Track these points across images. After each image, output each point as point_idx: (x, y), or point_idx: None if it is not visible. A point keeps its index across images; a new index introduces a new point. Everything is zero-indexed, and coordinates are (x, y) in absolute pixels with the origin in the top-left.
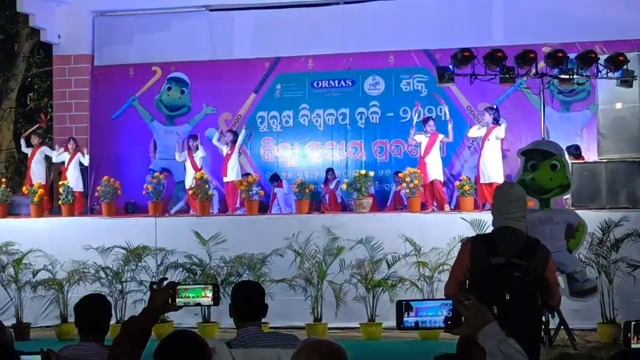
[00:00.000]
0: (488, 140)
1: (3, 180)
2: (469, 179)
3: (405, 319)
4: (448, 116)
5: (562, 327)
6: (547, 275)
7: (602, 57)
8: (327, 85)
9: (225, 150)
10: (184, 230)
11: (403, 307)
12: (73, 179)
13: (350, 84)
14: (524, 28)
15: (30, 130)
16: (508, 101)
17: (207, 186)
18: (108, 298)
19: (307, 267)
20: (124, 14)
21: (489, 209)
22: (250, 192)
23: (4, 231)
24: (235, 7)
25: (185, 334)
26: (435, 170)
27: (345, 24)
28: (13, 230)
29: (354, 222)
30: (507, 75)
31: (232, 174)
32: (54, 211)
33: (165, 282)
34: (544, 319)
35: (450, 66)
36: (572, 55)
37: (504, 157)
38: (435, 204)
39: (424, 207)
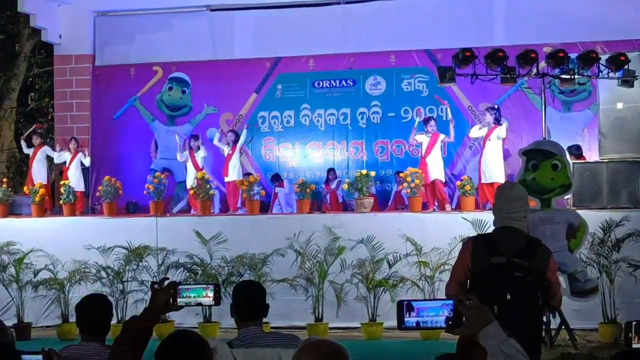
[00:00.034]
0: (489, 140)
1: (4, 180)
2: (470, 178)
3: (406, 319)
4: (450, 116)
5: (563, 327)
6: (548, 275)
7: (604, 57)
8: (328, 85)
9: (226, 150)
10: (185, 230)
11: (404, 308)
12: (74, 179)
13: (352, 83)
14: (525, 28)
15: (28, 132)
16: (509, 101)
17: (208, 186)
18: (109, 298)
19: (308, 267)
20: (125, 14)
21: (490, 209)
22: (251, 192)
23: (5, 231)
24: (236, 7)
25: (186, 334)
26: (436, 170)
27: (346, 23)
28: (14, 230)
29: (355, 222)
30: (508, 75)
31: (233, 173)
32: (56, 211)
33: (166, 282)
34: (545, 319)
35: (452, 66)
36: (573, 55)
37: (506, 157)
38: (436, 204)
39: (425, 207)
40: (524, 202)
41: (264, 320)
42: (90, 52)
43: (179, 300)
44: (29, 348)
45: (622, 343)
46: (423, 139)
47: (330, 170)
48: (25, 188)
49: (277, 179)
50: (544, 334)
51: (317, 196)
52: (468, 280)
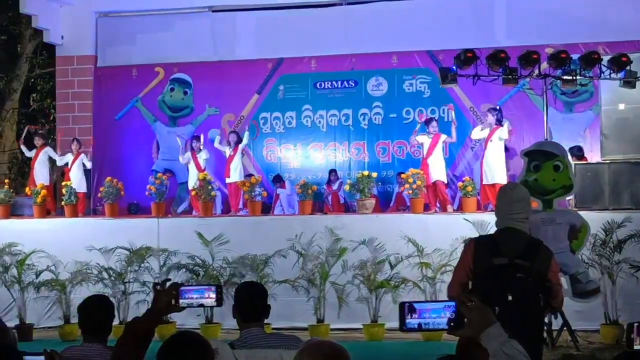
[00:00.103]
0: (491, 141)
1: (6, 181)
2: (472, 179)
3: (408, 320)
4: (453, 118)
5: (564, 328)
6: (550, 276)
7: (605, 58)
8: (330, 86)
9: (228, 151)
10: (186, 231)
11: (406, 309)
12: (76, 180)
13: (353, 84)
14: (527, 29)
15: (23, 135)
16: (511, 102)
17: (210, 187)
18: (111, 299)
19: (310, 268)
20: (127, 14)
21: (491, 210)
22: (253, 193)
23: (7, 232)
24: (238, 8)
25: (188, 335)
26: (438, 171)
27: (348, 24)
28: (16, 231)
29: (356, 223)
30: (510, 76)
31: (235, 175)
32: (59, 212)
33: (168, 283)
34: (546, 320)
35: (453, 67)
36: (575, 56)
37: (512, 156)
38: (438, 205)
39: (426, 208)
40: (525, 203)
41: (266, 321)
42: (92, 53)
43: (181, 301)
44: (31, 349)
45: (624, 344)
46: (424, 139)
47: (332, 172)
48: (27, 189)
49: (278, 180)
50: (545, 335)
51: (319, 197)
52: (470, 282)
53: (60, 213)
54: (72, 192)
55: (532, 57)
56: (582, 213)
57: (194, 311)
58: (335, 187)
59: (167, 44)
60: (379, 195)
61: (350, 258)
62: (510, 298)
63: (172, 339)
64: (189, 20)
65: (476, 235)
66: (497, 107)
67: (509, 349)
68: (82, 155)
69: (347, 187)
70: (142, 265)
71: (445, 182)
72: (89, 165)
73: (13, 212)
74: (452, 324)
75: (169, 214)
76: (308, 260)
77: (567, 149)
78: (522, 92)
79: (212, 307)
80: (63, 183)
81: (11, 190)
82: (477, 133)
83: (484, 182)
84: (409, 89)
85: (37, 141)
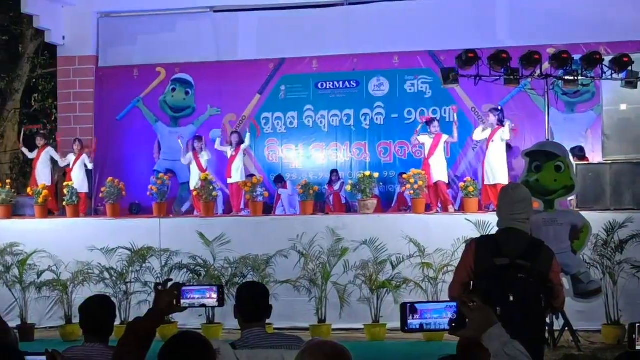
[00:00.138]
0: (493, 141)
1: (8, 181)
2: (474, 180)
3: (409, 321)
4: (455, 119)
5: (566, 328)
6: (551, 276)
7: (607, 59)
8: (331, 87)
9: (229, 151)
10: (188, 231)
11: (407, 310)
12: (78, 180)
13: (355, 85)
14: (528, 29)
15: (21, 136)
16: (512, 102)
17: (211, 187)
18: (112, 299)
19: (312, 268)
20: (128, 15)
21: (493, 211)
22: (254, 193)
23: (9, 232)
24: (240, 8)
25: (189, 335)
26: (439, 171)
27: (350, 25)
28: (18, 231)
29: (358, 223)
30: (511, 77)
31: (236, 175)
32: (62, 212)
33: (169, 284)
34: (548, 320)
35: (455, 67)
36: (576, 57)
37: (514, 156)
38: (439, 205)
39: (428, 208)
40: (527, 203)
41: (267, 321)
42: (93, 53)
43: (182, 301)
44: (32, 349)
45: (625, 344)
46: (426, 139)
47: (334, 172)
48: (28, 189)
49: (280, 180)
50: (547, 335)
51: (320, 197)
52: (471, 282)
53: (63, 213)
54: (73, 192)
55: (533, 58)
56: (583, 213)
57: (195, 311)
58: (336, 187)
59: (168, 44)
60: (380, 195)
61: (352, 258)
62: (511, 298)
63: (174, 339)
64: (190, 21)
65: (478, 235)
66: (499, 108)
67: (510, 349)
68: (84, 155)
69: (348, 188)
70: (144, 265)
71: (447, 182)
72: (90, 165)
73: (15, 212)
74: (453, 324)
75: (171, 214)
76: (309, 261)
77: (568, 149)
78: (523, 92)
79: (213, 308)
80: (65, 183)
81: (13, 190)
82: (479, 134)
83: (485, 183)
84: (410, 90)
85: (39, 141)
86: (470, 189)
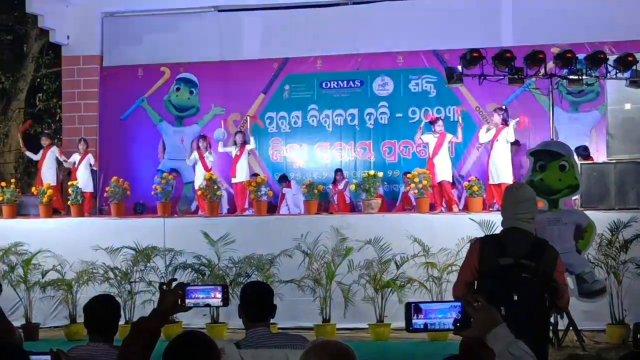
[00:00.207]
0: (497, 141)
1: (12, 180)
2: (478, 179)
3: (414, 321)
4: (460, 120)
5: (571, 328)
6: (556, 276)
7: (611, 58)
8: (335, 86)
9: (234, 151)
10: (192, 230)
11: (412, 310)
12: (83, 180)
13: (359, 84)
14: (532, 29)
15: (22, 142)
16: (517, 102)
17: (215, 187)
18: (117, 298)
19: (316, 267)
20: (132, 14)
21: (497, 210)
22: (258, 193)
23: (13, 231)
24: (244, 8)
25: (194, 335)
26: (444, 171)
27: (354, 24)
28: (22, 230)
29: (362, 222)
30: (516, 76)
31: (240, 174)
32: (68, 212)
33: (174, 283)
34: (552, 320)
35: (459, 67)
36: (581, 56)
37: (522, 154)
38: (443, 205)
39: (432, 208)
40: (531, 203)
41: (272, 321)
42: (98, 53)
43: (187, 301)
44: (37, 348)
45: (630, 344)
46: (430, 139)
47: (338, 171)
48: (33, 189)
49: (284, 179)
50: (551, 335)
51: (325, 197)
52: (475, 281)
53: (68, 213)
54: (78, 191)
55: (538, 57)
56: (588, 213)
57: (200, 311)
58: (341, 186)
59: (172, 44)
60: (384, 195)
61: (356, 258)
62: (515, 298)
63: (178, 338)
64: (194, 20)
65: (482, 235)
66: (503, 107)
67: (515, 349)
68: (89, 155)
69: (352, 187)
70: (148, 265)
71: (451, 182)
72: (95, 165)
73: (19, 211)
74: (458, 324)
75: (175, 213)
76: (314, 260)
77: (573, 148)
78: (528, 91)
79: (218, 307)
80: (69, 183)
81: (17, 190)
82: (484, 135)
83: (490, 182)
84: (414, 89)
85: (44, 141)
86: (475, 188)
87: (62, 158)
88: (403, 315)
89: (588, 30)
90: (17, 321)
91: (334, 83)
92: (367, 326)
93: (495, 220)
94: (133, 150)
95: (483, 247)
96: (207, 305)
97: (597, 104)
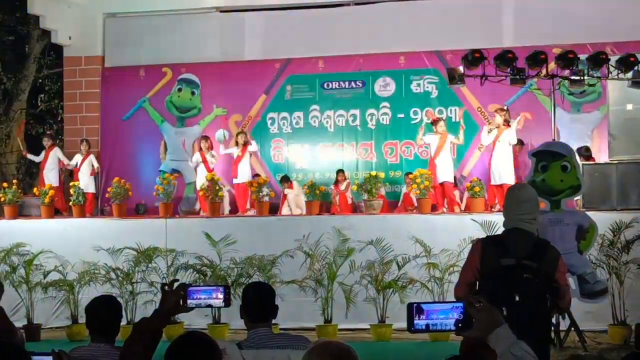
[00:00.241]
0: (499, 141)
1: (14, 181)
2: (480, 180)
3: (416, 321)
4: (462, 123)
5: (572, 328)
6: (557, 277)
7: (613, 58)
8: (337, 87)
9: (235, 152)
10: (194, 231)
11: (414, 310)
12: (85, 181)
13: (361, 85)
14: (534, 29)
15: (23, 148)
16: (519, 102)
17: (217, 187)
18: (118, 299)
19: (318, 268)
20: (134, 15)
21: (499, 211)
22: (260, 194)
23: (15, 232)
24: (246, 9)
25: (195, 335)
26: (445, 171)
27: (356, 25)
28: (24, 231)
29: (364, 223)
30: (517, 77)
31: (242, 175)
32: (70, 212)
33: (176, 284)
34: (554, 320)
35: (461, 67)
36: (582, 57)
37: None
38: (445, 206)
39: (434, 208)
40: (533, 203)
41: (273, 321)
42: (99, 54)
43: (188, 301)
44: (38, 349)
45: (632, 344)
46: (432, 139)
47: (340, 172)
48: (34, 189)
49: (286, 180)
50: (553, 335)
51: (326, 197)
52: (477, 282)
53: (70, 213)
54: (79, 192)
55: (539, 58)
56: (589, 213)
57: (201, 311)
58: (342, 187)
59: (174, 45)
60: (386, 195)
61: (358, 258)
62: (517, 299)
63: (180, 339)
64: (196, 21)
65: (484, 235)
66: (505, 108)
67: (517, 350)
68: (91, 156)
69: (354, 188)
70: (150, 265)
71: (453, 183)
72: (97, 166)
73: (21, 212)
74: (460, 325)
75: (177, 214)
76: (315, 261)
77: (574, 149)
78: (529, 92)
79: (219, 308)
80: (71, 183)
81: (19, 190)
82: (486, 138)
83: (491, 183)
84: (416, 90)
85: (46, 142)
86: (476, 189)
87: (64, 160)
88: (404, 316)
89: (590, 31)
90: (19, 322)
91: (335, 84)
92: (368, 327)
93: (496, 221)
94: (135, 151)
95: (485, 247)
96: (209, 305)
97: (599, 105)
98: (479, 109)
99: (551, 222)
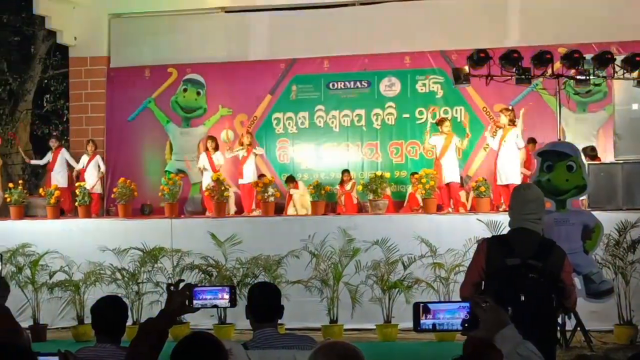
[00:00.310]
0: (505, 141)
1: (20, 182)
2: (485, 180)
3: (422, 321)
4: (467, 131)
5: (578, 328)
6: (563, 276)
7: (619, 58)
8: (342, 87)
9: (241, 153)
10: (199, 231)
11: (420, 310)
12: (92, 181)
13: (366, 85)
14: (539, 29)
15: (24, 158)
16: (524, 102)
17: (222, 187)
18: (124, 299)
19: (323, 268)
20: (139, 15)
21: (505, 211)
22: (266, 194)
23: (21, 233)
24: (251, 9)
25: (201, 336)
26: (451, 172)
27: (361, 25)
28: (30, 232)
29: (369, 223)
30: (523, 76)
31: (248, 175)
32: (76, 213)
33: (182, 284)
34: (560, 320)
35: (466, 67)
36: (588, 56)
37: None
38: (451, 206)
39: (439, 209)
40: (539, 203)
41: (279, 321)
42: (105, 54)
43: (194, 302)
44: (44, 349)
45: (638, 344)
46: (437, 140)
47: (345, 172)
48: (40, 190)
49: (291, 180)
50: (559, 335)
51: (332, 198)
52: (482, 282)
53: (76, 214)
54: (85, 193)
55: (545, 57)
56: (595, 213)
57: (207, 312)
58: (348, 187)
59: (179, 45)
60: (391, 195)
61: (364, 258)
62: (522, 299)
63: (186, 339)
64: (201, 21)
65: (489, 235)
66: (510, 108)
67: (523, 350)
68: (98, 156)
69: (360, 188)
70: (156, 265)
71: (460, 183)
72: (103, 166)
73: (27, 213)
74: (466, 324)
75: (182, 214)
76: (321, 261)
77: (580, 149)
78: (535, 92)
79: (225, 308)
80: (77, 184)
81: (25, 191)
82: (492, 142)
83: (497, 183)
84: (421, 90)
85: (53, 143)
86: (482, 188)
87: (73, 163)
88: (410, 316)
89: (595, 31)
90: (25, 322)
91: (341, 84)
92: (374, 327)
93: (502, 221)
94: (140, 152)
95: (490, 247)
96: (215, 306)
97: (605, 104)
98: (485, 109)
99: (557, 222)
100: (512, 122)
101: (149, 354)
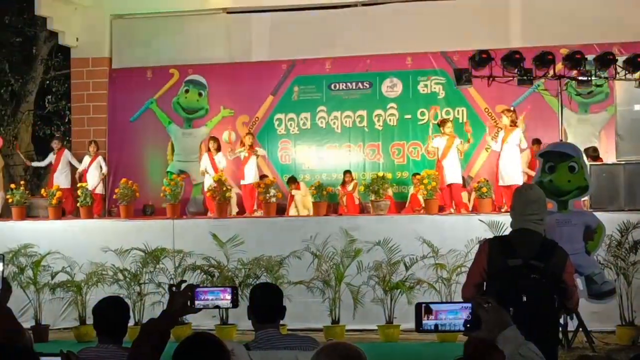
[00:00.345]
0: (506, 142)
1: (22, 182)
2: (487, 180)
3: (424, 321)
4: (470, 136)
5: (580, 329)
6: (565, 277)
7: (621, 59)
8: (344, 88)
9: (242, 153)
10: (201, 232)
11: (422, 310)
12: (94, 182)
13: (368, 86)
14: (541, 30)
15: (26, 163)
16: (526, 103)
17: (224, 188)
18: (126, 300)
19: (325, 269)
20: (141, 16)
21: (506, 211)
22: (267, 195)
23: (23, 233)
24: (253, 10)
25: (203, 337)
26: (453, 173)
27: (363, 26)
28: (31, 232)
29: (371, 224)
30: (524, 77)
31: (249, 176)
32: (77, 214)
33: (183, 285)
34: (562, 321)
35: (468, 68)
36: (590, 57)
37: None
38: (453, 207)
39: (441, 209)
40: (541, 204)
41: (281, 322)
42: (107, 55)
43: (196, 302)
44: (46, 350)
45: (639, 345)
46: (439, 142)
47: (347, 173)
48: (42, 191)
49: (293, 181)
50: (561, 336)
51: (334, 198)
52: (484, 282)
53: (78, 215)
54: (87, 193)
55: (547, 58)
56: (597, 214)
57: (209, 312)
58: (349, 188)
59: (181, 46)
60: (393, 196)
61: (365, 259)
62: (524, 299)
63: (188, 340)
64: (203, 22)
65: (491, 236)
66: (512, 109)
67: (525, 351)
68: (100, 157)
69: (361, 189)
70: (157, 266)
71: (462, 184)
72: (105, 167)
73: (29, 213)
74: (468, 325)
75: (184, 215)
76: (323, 262)
77: (582, 149)
78: (536, 93)
79: (227, 309)
80: (79, 185)
81: (27, 192)
82: (494, 145)
83: (499, 184)
84: (423, 90)
85: (56, 144)
86: (484, 189)
87: (76, 164)
88: (412, 317)
89: (597, 31)
90: (27, 323)
91: (342, 85)
92: (376, 327)
93: (504, 222)
94: (142, 152)
95: (492, 248)
96: (217, 306)
97: (606, 105)
98: (486, 110)
99: (559, 222)
100: (514, 123)
101: (150, 354)
